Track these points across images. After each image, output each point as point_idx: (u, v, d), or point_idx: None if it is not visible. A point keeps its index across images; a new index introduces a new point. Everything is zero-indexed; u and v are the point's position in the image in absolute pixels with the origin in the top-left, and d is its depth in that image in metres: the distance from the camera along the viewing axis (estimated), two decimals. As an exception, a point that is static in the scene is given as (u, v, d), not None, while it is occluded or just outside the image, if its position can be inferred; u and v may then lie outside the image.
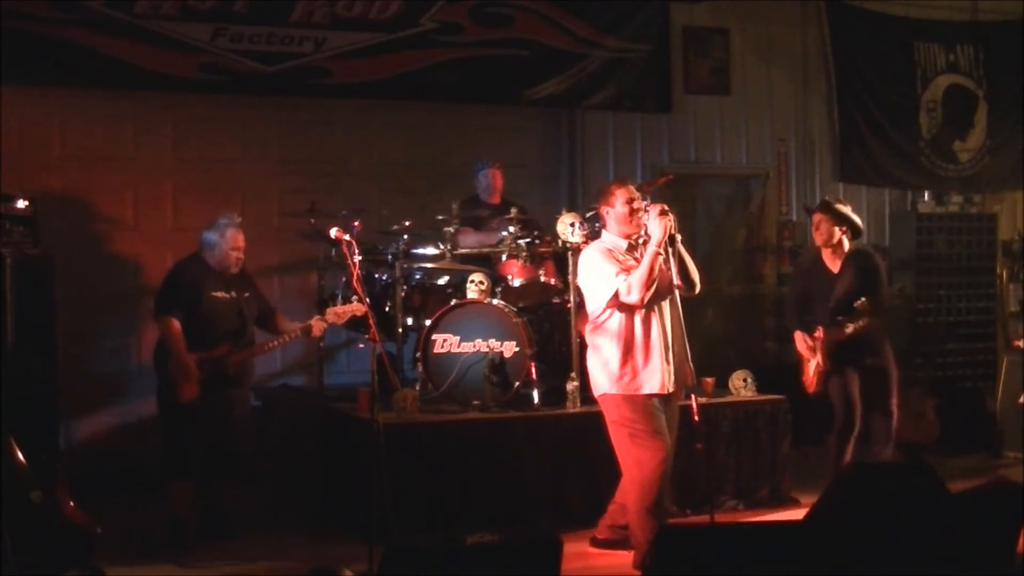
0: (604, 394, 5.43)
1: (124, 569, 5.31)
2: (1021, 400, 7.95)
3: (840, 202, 6.68)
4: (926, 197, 9.66)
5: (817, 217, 6.57)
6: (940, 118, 9.78)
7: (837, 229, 6.46)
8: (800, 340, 6.52)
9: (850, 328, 6.26)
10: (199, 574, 5.46)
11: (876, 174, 9.57)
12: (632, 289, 5.19)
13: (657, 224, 5.18)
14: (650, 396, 5.33)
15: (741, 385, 6.87)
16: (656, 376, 5.32)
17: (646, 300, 5.23)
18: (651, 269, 5.18)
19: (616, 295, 5.24)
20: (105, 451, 7.36)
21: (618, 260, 5.34)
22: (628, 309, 5.30)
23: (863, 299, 6.25)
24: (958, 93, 9.85)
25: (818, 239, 6.55)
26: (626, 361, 5.32)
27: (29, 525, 4.66)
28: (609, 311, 5.33)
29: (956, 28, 9.87)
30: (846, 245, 6.50)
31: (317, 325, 6.04)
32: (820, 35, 9.47)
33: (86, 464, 6.66)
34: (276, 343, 6.15)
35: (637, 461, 5.34)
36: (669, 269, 5.23)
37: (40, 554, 4.67)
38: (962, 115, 9.87)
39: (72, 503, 4.87)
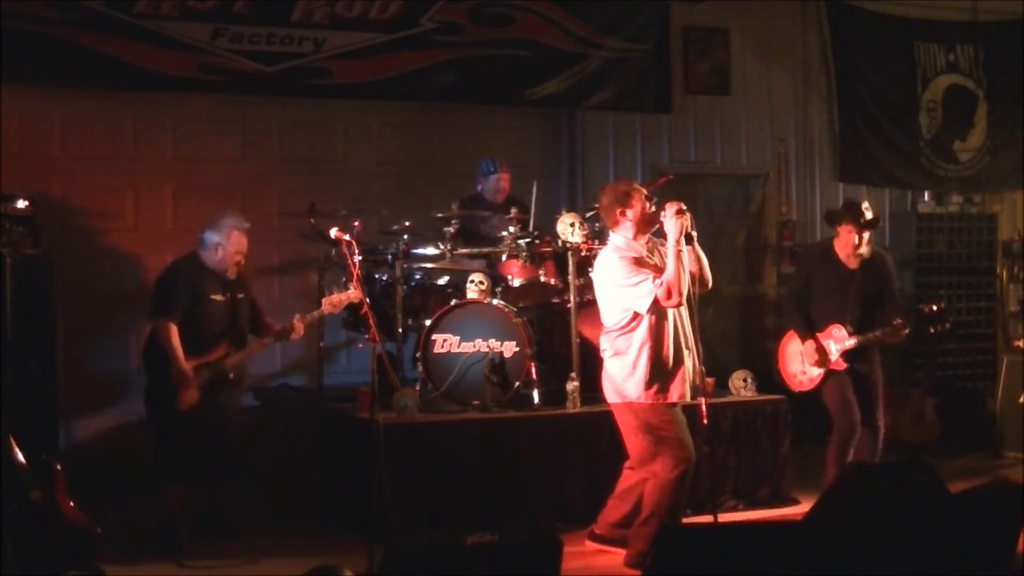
0: (630, 402, 5.37)
1: (124, 569, 5.29)
2: (1021, 400, 7.96)
3: (866, 208, 6.49)
4: (926, 197, 9.66)
5: (848, 228, 6.38)
6: (940, 118, 9.77)
7: (867, 235, 6.42)
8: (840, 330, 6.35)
9: (905, 331, 6.28)
10: (199, 574, 5.45)
11: (876, 174, 9.57)
12: (672, 293, 5.14)
13: (674, 224, 5.15)
14: (674, 403, 5.35)
15: (741, 385, 6.87)
16: (680, 383, 5.33)
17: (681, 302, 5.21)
18: (680, 270, 5.13)
19: (656, 301, 5.18)
20: (105, 451, 7.35)
21: (646, 264, 5.30)
22: (654, 314, 5.26)
23: (932, 306, 6.45)
24: (958, 93, 9.85)
25: (858, 257, 6.40)
26: (653, 367, 5.28)
27: (29, 525, 4.67)
28: (637, 319, 5.27)
29: (956, 28, 9.87)
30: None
31: (298, 326, 6.02)
32: (820, 35, 9.47)
33: (86, 464, 6.65)
34: (267, 342, 6.13)
35: (662, 466, 5.34)
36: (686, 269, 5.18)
37: (40, 554, 4.67)
38: (962, 115, 9.87)
39: (72, 503, 4.88)
